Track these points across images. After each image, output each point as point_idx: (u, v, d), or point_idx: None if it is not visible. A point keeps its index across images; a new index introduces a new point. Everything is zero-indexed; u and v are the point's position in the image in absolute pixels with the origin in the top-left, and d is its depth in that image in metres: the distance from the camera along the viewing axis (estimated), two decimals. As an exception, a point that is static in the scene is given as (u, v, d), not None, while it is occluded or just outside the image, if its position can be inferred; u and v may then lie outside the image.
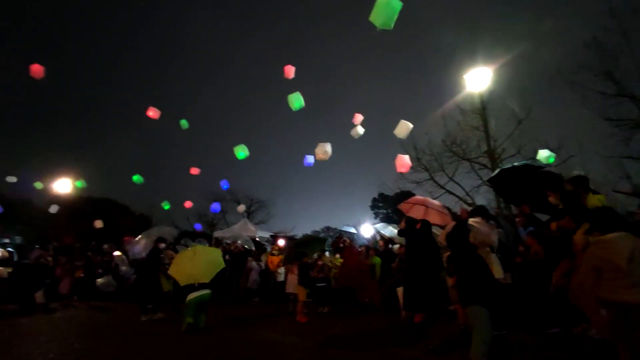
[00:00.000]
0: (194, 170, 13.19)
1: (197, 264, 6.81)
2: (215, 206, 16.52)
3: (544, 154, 10.20)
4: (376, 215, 35.99)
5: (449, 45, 15.54)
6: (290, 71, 9.73)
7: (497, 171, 7.64)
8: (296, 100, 9.15)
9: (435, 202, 8.38)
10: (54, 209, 15.90)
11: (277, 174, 54.84)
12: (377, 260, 9.82)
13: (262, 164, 53.12)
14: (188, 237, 17.88)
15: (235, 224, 19.82)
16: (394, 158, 9.95)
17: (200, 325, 6.55)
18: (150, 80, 55.97)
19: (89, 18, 58.86)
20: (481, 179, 15.23)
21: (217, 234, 19.79)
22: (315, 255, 10.18)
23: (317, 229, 37.63)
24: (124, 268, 12.90)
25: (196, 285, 6.66)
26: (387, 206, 34.21)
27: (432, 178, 16.56)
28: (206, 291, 6.72)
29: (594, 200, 4.10)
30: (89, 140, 48.51)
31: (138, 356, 4.91)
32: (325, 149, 9.57)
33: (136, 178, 13.83)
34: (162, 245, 8.89)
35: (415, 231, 7.10)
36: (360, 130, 10.51)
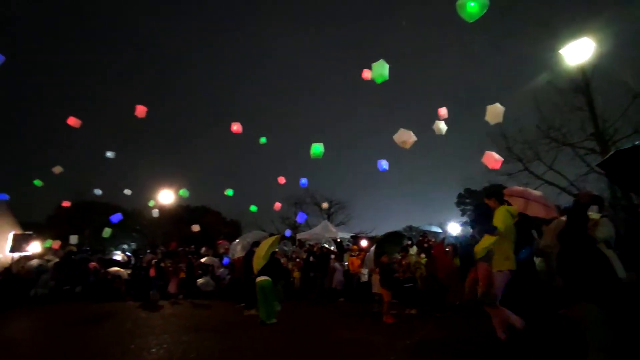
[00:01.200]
0: (281, 180, 13.83)
1: (256, 257, 7.80)
2: (301, 216, 17.29)
3: None
4: (463, 212, 33.80)
5: (541, 15, 13.76)
6: (369, 74, 9.38)
7: (610, 154, 6.54)
8: (380, 69, 7.92)
9: (536, 192, 7.44)
10: (155, 213, 18.20)
11: (356, 175, 54.83)
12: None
13: (340, 165, 53.65)
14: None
15: (316, 226, 20.29)
16: (479, 149, 9.16)
17: (265, 320, 7.08)
18: (232, 92, 60.26)
19: (182, 43, 65.74)
20: (589, 165, 13.32)
21: (300, 235, 20.41)
22: (399, 255, 9.86)
23: (399, 228, 36.67)
24: (221, 270, 14.07)
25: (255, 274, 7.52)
26: (475, 202, 31.91)
27: (526, 168, 14.98)
28: (262, 278, 7.34)
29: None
30: (183, 154, 53.93)
31: (233, 350, 5.24)
32: (407, 136, 8.56)
33: (229, 192, 15.13)
34: (256, 249, 9.55)
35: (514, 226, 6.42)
36: (443, 126, 9.57)
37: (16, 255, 13.42)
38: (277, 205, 15.54)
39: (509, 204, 4.68)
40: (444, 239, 11.16)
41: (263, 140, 12.74)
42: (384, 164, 10.29)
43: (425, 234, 15.37)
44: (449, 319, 7.49)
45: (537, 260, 7.14)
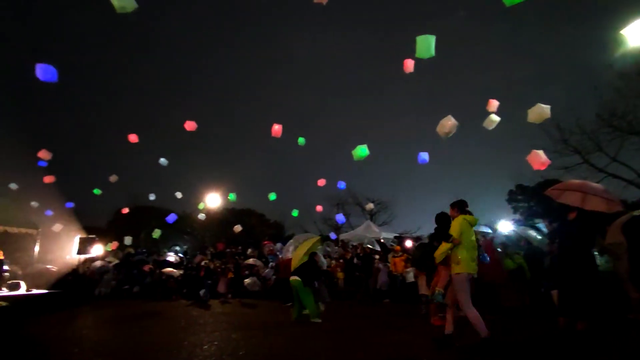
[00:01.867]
0: (321, 182, 13.89)
1: (295, 255, 8.23)
2: (340, 217, 17.26)
3: None
4: (515, 209, 31.92)
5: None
6: (410, 65, 8.96)
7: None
8: (426, 43, 7.13)
9: (596, 185, 6.83)
10: (202, 216, 19.16)
11: (398, 173, 53.72)
12: (518, 259, 8.66)
13: (382, 163, 52.80)
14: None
15: (359, 227, 20.14)
16: (531, 142, 8.54)
17: (311, 318, 7.36)
18: (273, 94, 61.54)
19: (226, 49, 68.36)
20: (659, 155, 12.08)
21: (343, 236, 20.36)
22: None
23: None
24: (266, 270, 14.39)
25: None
26: (528, 198, 30.03)
27: (586, 161, 13.87)
28: (294, 277, 7.66)
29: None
30: (227, 158, 55.88)
31: (279, 347, 5.31)
32: (449, 124, 7.82)
33: (272, 196, 15.45)
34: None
35: (571, 222, 5.95)
36: (495, 119, 8.75)
37: (82, 257, 14.58)
38: (319, 208, 15.63)
39: (470, 214, 5.02)
40: (492, 238, 10.61)
41: (301, 141, 12.85)
42: (424, 156, 9.89)
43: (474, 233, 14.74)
44: (499, 322, 7.10)
45: (601, 259, 6.62)
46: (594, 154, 13.51)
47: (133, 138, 12.26)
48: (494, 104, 9.05)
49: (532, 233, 9.80)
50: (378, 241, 17.03)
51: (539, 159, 8.11)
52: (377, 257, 12.45)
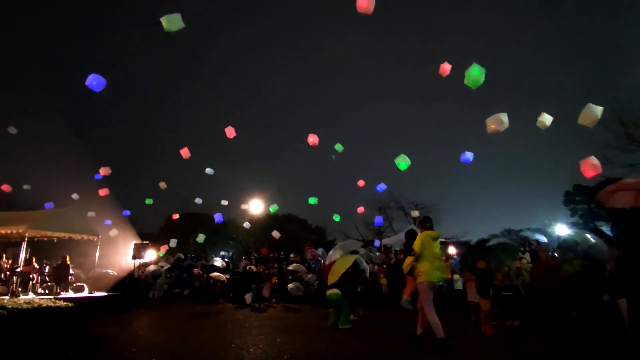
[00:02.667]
0: (361, 182, 13.77)
1: (331, 273, 8.10)
2: (379, 219, 16.96)
3: None
4: (573, 212, 29.65)
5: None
6: (447, 68, 8.65)
7: None
8: (476, 73, 6.84)
9: None
10: (247, 225, 19.69)
11: (445, 176, 52.07)
12: (578, 264, 8.03)
13: (425, 166, 51.38)
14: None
15: (402, 231, 19.69)
16: (589, 139, 7.80)
17: (339, 324, 7.33)
18: (313, 100, 62.16)
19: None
20: None
21: (386, 241, 20.02)
22: (516, 264, 9.05)
23: (495, 232, 33.53)
24: (309, 275, 14.48)
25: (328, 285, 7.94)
26: (587, 199, 27.79)
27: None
28: (333, 291, 7.73)
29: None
30: (269, 166, 57.17)
31: (322, 352, 5.30)
32: (500, 120, 7.19)
33: (311, 200, 15.50)
34: (357, 256, 10.00)
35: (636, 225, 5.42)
36: (548, 118, 7.95)
37: (137, 261, 15.52)
38: (361, 209, 15.43)
39: (431, 229, 5.55)
40: (545, 249, 9.97)
41: (339, 147, 12.80)
42: (468, 156, 9.45)
43: (526, 237, 13.88)
44: (557, 332, 6.60)
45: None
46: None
47: (185, 153, 12.93)
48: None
49: (589, 237, 9.01)
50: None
51: (591, 163, 7.34)
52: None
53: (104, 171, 13.06)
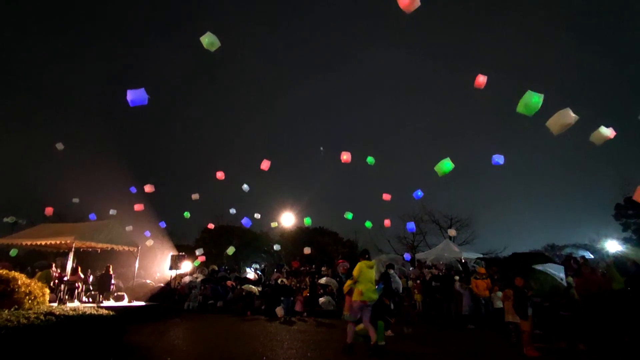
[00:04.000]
0: (386, 196, 13.52)
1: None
2: (411, 225, 16.19)
3: None
4: (625, 226, 27.55)
5: None
6: (482, 81, 8.31)
7: None
8: (530, 101, 6.40)
9: None
10: (277, 247, 19.96)
11: (481, 188, 50.11)
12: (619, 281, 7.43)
13: (461, 179, 49.80)
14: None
15: (436, 246, 19.09)
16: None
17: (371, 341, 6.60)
18: (342, 115, 62.47)
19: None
20: None
21: (419, 255, 19.46)
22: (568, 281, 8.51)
23: (538, 247, 31.60)
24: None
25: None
26: (641, 213, 25.81)
27: None
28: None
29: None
30: (300, 180, 57.62)
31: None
32: (566, 117, 6.16)
33: (348, 215, 15.36)
34: (391, 271, 10.09)
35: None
36: (606, 131, 6.70)
37: (173, 272, 16.01)
38: (387, 222, 15.04)
39: (369, 260, 6.83)
40: (594, 267, 9.28)
41: (370, 160, 12.65)
42: (498, 159, 8.91)
43: (572, 253, 13.03)
44: (607, 355, 6.09)
45: None
46: None
47: (220, 175, 13.76)
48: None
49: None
50: (459, 261, 15.94)
51: None
52: (457, 278, 11.62)
53: (148, 189, 13.72)
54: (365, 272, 6.58)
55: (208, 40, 6.85)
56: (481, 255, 18.42)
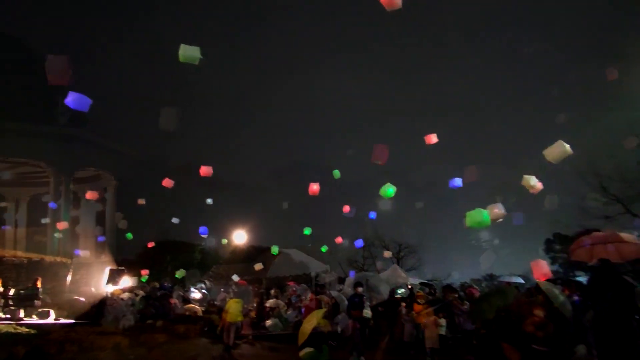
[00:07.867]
0: (346, 209, 13.61)
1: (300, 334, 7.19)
2: (359, 242, 16.59)
3: None
4: (553, 260, 29.96)
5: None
6: (432, 139, 9.61)
7: None
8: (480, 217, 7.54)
9: (624, 234, 6.35)
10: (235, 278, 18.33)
11: (431, 218, 51.87)
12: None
13: (413, 208, 51.33)
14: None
15: (385, 271, 19.49)
16: (569, 190, 8.04)
17: None
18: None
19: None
20: None
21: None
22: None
23: (478, 277, 33.25)
24: (288, 312, 14.03)
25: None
26: (567, 249, 28.22)
27: (628, 210, 13.12)
28: (303, 352, 6.87)
29: None
30: (254, 197, 56.65)
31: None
32: (562, 147, 7.05)
33: (306, 231, 15.31)
34: (360, 289, 10.10)
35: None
36: (535, 182, 8.27)
37: (111, 288, 14.90)
38: (339, 239, 15.25)
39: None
40: (528, 289, 9.89)
41: (337, 173, 12.76)
42: (457, 182, 9.74)
43: (508, 284, 13.88)
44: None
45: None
46: (636, 203, 12.77)
47: (167, 182, 13.32)
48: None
49: (558, 293, 8.68)
50: (407, 287, 16.31)
51: (541, 269, 7.70)
52: (403, 304, 11.88)
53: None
54: (234, 304, 9.68)
55: (186, 54, 6.14)
56: (425, 281, 19.01)
